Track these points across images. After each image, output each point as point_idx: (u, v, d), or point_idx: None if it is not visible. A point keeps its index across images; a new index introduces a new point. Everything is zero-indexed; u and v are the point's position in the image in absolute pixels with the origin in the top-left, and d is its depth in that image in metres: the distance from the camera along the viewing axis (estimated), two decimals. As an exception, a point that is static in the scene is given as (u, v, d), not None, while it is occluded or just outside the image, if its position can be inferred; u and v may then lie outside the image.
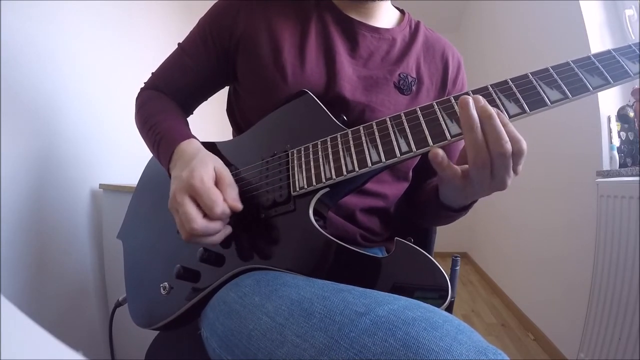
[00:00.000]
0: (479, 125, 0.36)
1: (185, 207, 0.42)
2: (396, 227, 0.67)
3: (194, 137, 0.55)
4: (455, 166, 0.40)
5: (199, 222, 0.41)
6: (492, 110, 0.36)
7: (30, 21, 0.97)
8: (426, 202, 0.59)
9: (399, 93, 0.58)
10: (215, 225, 0.43)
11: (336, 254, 0.42)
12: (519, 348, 1.71)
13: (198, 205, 0.43)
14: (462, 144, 0.40)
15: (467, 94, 0.40)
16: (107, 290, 1.21)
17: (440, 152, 0.38)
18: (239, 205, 0.44)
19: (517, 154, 0.37)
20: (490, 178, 0.38)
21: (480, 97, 0.38)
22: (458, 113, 0.38)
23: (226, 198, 0.43)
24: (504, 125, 0.36)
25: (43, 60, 1.02)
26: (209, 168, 0.45)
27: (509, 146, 0.36)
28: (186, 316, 0.49)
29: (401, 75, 0.58)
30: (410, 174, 0.64)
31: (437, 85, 0.62)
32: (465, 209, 0.52)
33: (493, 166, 0.37)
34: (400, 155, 0.40)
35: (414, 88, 0.59)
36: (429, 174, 0.65)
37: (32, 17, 0.98)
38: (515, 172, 0.38)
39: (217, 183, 0.45)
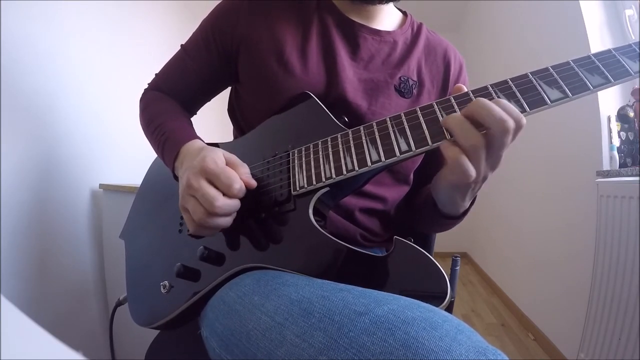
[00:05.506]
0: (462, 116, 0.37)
1: (205, 189, 0.42)
2: (397, 228, 0.67)
3: (198, 137, 0.55)
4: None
5: (220, 199, 0.42)
6: (481, 99, 0.36)
7: (30, 21, 0.97)
8: (423, 209, 0.58)
9: (400, 96, 0.58)
10: (235, 202, 0.44)
11: (336, 253, 0.42)
12: (519, 348, 1.71)
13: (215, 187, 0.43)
14: None
15: (467, 94, 0.40)
16: (107, 290, 1.21)
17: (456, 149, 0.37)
18: (253, 182, 0.45)
19: (518, 128, 0.36)
20: (485, 158, 0.38)
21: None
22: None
23: (240, 176, 0.44)
24: (498, 104, 0.36)
25: (43, 61, 1.02)
26: (218, 153, 0.46)
27: (511, 122, 0.35)
28: (186, 315, 0.49)
29: (402, 79, 0.58)
30: (411, 177, 0.64)
31: (438, 88, 0.62)
32: (462, 215, 0.52)
33: (494, 143, 0.37)
34: (400, 154, 0.40)
35: (414, 91, 0.59)
36: (429, 178, 0.65)
37: (32, 17, 0.98)
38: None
39: (228, 164, 0.46)
